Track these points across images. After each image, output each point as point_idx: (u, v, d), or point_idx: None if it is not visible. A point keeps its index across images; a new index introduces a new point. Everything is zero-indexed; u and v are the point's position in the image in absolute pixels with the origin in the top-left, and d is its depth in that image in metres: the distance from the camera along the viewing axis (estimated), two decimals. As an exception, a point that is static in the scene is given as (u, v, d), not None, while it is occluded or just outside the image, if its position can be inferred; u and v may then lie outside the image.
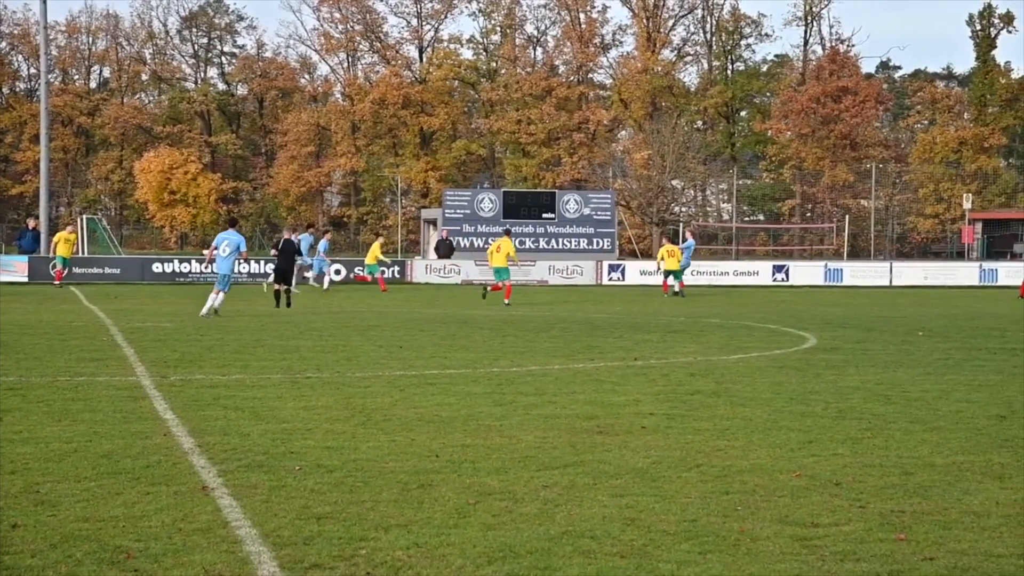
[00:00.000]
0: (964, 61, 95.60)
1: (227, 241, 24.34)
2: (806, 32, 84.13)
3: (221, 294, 23.78)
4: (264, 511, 6.96)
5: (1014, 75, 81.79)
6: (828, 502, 7.27)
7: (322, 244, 40.39)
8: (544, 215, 53.64)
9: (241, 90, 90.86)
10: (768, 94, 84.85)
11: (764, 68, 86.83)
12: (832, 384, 13.19)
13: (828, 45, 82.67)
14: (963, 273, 49.69)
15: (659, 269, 36.70)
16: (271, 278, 29.55)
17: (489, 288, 32.09)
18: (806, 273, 47.61)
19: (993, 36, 78.45)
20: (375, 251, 40.60)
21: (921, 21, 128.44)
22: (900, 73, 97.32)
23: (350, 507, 7.08)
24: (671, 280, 35.88)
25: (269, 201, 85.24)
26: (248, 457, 8.64)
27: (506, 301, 29.37)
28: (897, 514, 6.95)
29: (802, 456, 8.80)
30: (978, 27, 78.69)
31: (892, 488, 7.66)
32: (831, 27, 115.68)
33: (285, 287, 27.90)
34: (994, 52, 79.03)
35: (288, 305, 27.38)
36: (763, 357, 16.55)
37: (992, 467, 8.35)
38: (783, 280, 46.39)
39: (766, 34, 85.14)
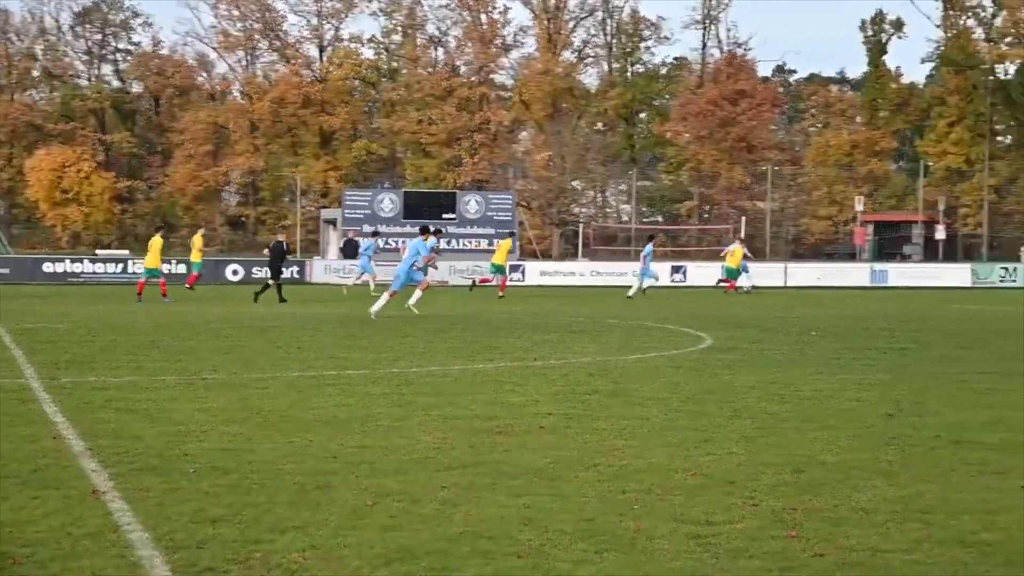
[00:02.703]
0: (857, 66, 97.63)
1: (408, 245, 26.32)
2: (704, 35, 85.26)
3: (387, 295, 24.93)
4: (157, 514, 6.84)
5: (904, 80, 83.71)
6: (722, 500, 7.35)
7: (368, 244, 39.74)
8: (445, 216, 53.59)
9: (136, 88, 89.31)
10: (667, 96, 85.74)
11: (663, 71, 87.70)
12: (728, 384, 13.36)
13: (725, 48, 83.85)
14: (855, 274, 50.79)
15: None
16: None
17: (478, 280, 37.04)
18: (704, 274, 48.21)
19: (884, 42, 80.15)
20: (196, 244, 39.60)
21: (816, 26, 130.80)
22: (795, 77, 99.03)
23: (245, 509, 7.00)
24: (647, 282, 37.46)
25: (165, 200, 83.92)
26: (141, 460, 8.49)
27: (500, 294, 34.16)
28: (789, 511, 7.05)
29: (698, 455, 8.90)
30: (870, 33, 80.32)
31: (784, 486, 7.78)
32: (728, 31, 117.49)
33: (276, 282, 31.53)
34: (885, 57, 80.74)
35: (281, 300, 30.39)
36: (661, 357, 16.71)
37: (880, 464, 8.52)
38: (681, 281, 46.92)
39: (665, 37, 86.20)
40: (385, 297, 24.72)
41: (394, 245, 47.79)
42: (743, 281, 40.24)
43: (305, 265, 49.00)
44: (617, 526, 6.68)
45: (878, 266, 52.72)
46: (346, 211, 53.83)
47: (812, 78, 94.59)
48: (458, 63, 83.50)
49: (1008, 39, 72.25)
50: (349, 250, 49.75)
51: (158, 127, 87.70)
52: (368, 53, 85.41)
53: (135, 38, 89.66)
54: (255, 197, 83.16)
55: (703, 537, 6.44)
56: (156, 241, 32.50)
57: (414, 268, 25.40)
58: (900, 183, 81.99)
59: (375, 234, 41.10)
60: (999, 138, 77.68)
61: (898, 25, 79.61)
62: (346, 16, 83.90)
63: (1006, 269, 53.45)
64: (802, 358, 16.46)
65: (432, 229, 27.92)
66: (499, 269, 37.93)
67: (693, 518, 6.87)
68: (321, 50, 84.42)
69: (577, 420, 10.56)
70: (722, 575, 5.78)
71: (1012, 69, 74.90)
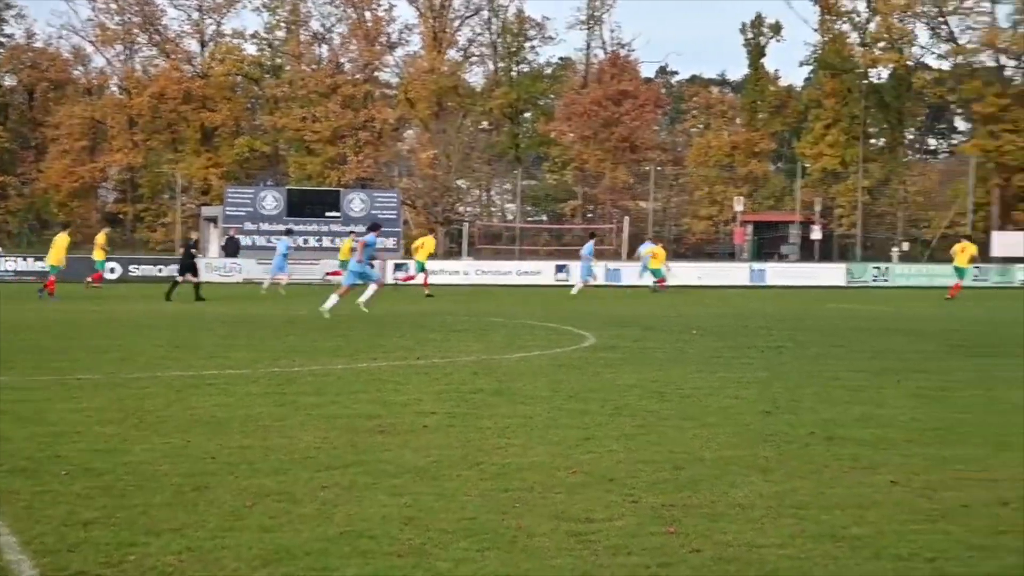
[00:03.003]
0: (737, 68, 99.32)
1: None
2: (588, 36, 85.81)
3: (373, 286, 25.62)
4: (26, 518, 6.67)
5: (782, 83, 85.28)
6: (602, 497, 7.41)
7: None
8: (328, 213, 53.26)
9: (9, 81, 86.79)
10: (552, 96, 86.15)
11: (548, 71, 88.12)
12: (610, 382, 13.47)
13: (609, 49, 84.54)
14: (735, 273, 51.64)
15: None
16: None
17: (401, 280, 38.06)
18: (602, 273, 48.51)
19: (763, 45, 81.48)
20: (99, 242, 39.19)
21: (697, 28, 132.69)
22: (677, 78, 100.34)
23: (119, 512, 6.85)
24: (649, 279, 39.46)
25: (39, 196, 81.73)
26: (10, 462, 8.27)
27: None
28: (668, 508, 7.14)
29: (579, 453, 8.96)
30: (749, 35, 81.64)
31: (664, 483, 7.87)
32: (612, 32, 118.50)
33: (196, 280, 31.99)
34: (764, 60, 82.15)
35: (199, 299, 30.66)
36: (544, 356, 16.79)
37: (757, 461, 8.67)
38: (565, 280, 47.17)
39: (550, 37, 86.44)
40: (335, 298, 24.71)
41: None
42: (647, 280, 40.81)
43: (185, 263, 48.15)
44: (498, 524, 6.70)
45: (757, 265, 53.65)
46: (228, 208, 53.11)
47: (693, 79, 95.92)
48: (343, 60, 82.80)
49: (881, 44, 73.97)
50: (230, 248, 49.10)
51: (32, 121, 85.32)
52: (251, 49, 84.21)
53: (7, 30, 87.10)
54: (133, 194, 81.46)
55: (583, 534, 6.49)
56: (62, 238, 32.52)
57: (367, 264, 25.70)
58: (778, 184, 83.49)
59: (288, 232, 40.82)
60: (872, 141, 79.56)
61: (777, 29, 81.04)
62: (228, 11, 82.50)
63: (879, 269, 54.82)
64: (683, 356, 16.67)
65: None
66: (421, 267, 39.10)
67: (574, 515, 6.91)
68: (202, 45, 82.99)
69: (460, 419, 10.56)
70: (601, 572, 5.83)
71: (885, 73, 76.79)
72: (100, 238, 39.09)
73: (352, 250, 31.91)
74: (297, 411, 10.91)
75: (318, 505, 7.12)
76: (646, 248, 41.97)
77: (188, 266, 32.62)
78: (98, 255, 38.45)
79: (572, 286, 40.13)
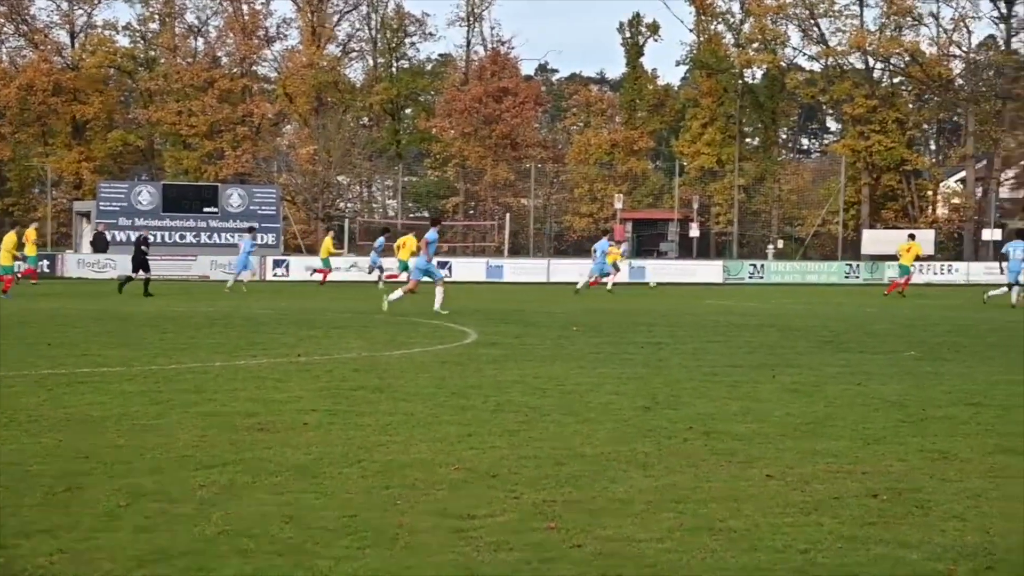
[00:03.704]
0: (616, 67, 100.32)
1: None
2: (468, 33, 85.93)
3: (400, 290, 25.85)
4: None
5: (660, 82, 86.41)
6: (485, 494, 7.43)
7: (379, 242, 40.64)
8: (206, 209, 52.49)
9: None
10: (432, 93, 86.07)
11: (429, 67, 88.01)
12: (492, 378, 13.51)
13: (490, 46, 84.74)
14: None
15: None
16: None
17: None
18: (469, 269, 48.64)
19: (641, 44, 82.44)
20: (30, 238, 38.73)
21: (576, 27, 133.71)
22: (557, 76, 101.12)
23: (-11, 515, 6.67)
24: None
25: None
26: None
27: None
28: (549, 503, 7.18)
29: (461, 449, 8.97)
30: (628, 35, 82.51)
31: (545, 479, 7.92)
32: (492, 29, 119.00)
33: (144, 276, 32.59)
34: (642, 59, 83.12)
35: (147, 294, 31.19)
36: (426, 352, 16.76)
37: (637, 456, 8.77)
38: (447, 276, 47.12)
39: (430, 33, 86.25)
40: (400, 292, 25.35)
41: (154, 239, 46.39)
42: (608, 279, 41.01)
43: (57, 259, 47.10)
44: (380, 522, 6.67)
45: (636, 262, 54.26)
46: (101, 204, 52.02)
47: (573, 77, 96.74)
48: (219, 54, 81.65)
49: (755, 45, 75.40)
50: (99, 244, 48.12)
51: None
52: (124, 41, 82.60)
53: None
54: (1, 188, 79.27)
55: (465, 531, 6.50)
56: (9, 237, 32.37)
57: (429, 261, 25.84)
58: (657, 182, 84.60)
59: (251, 230, 40.36)
60: (748, 140, 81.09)
61: (654, 28, 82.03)
62: (99, 2, 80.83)
63: (754, 266, 55.90)
64: (564, 353, 16.79)
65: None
66: (404, 266, 38.46)
67: (456, 512, 6.92)
68: (73, 36, 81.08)
69: (341, 416, 10.49)
70: (483, 568, 5.85)
71: (759, 74, 78.31)
72: (31, 234, 38.77)
73: (416, 250, 32.43)
74: (174, 409, 10.73)
75: (195, 504, 7.02)
76: (604, 246, 41.30)
77: (141, 262, 32.87)
78: (30, 251, 38.29)
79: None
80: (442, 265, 47.24)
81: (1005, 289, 31.99)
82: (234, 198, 53.65)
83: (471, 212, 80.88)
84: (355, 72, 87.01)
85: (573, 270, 49.94)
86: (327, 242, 43.02)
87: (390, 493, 7.41)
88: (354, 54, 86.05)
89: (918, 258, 41.08)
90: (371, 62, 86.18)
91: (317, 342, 18.14)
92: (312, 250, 65.72)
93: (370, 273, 41.11)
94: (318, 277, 42.87)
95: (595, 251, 39.71)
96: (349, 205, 79.69)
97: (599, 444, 9.23)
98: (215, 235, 52.20)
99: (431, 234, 25.93)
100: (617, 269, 41.16)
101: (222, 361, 15.07)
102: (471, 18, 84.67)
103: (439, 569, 5.83)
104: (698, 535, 6.45)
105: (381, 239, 41.23)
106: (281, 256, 51.06)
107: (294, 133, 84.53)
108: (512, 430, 9.85)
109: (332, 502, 7.15)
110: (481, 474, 8.03)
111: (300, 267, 48.18)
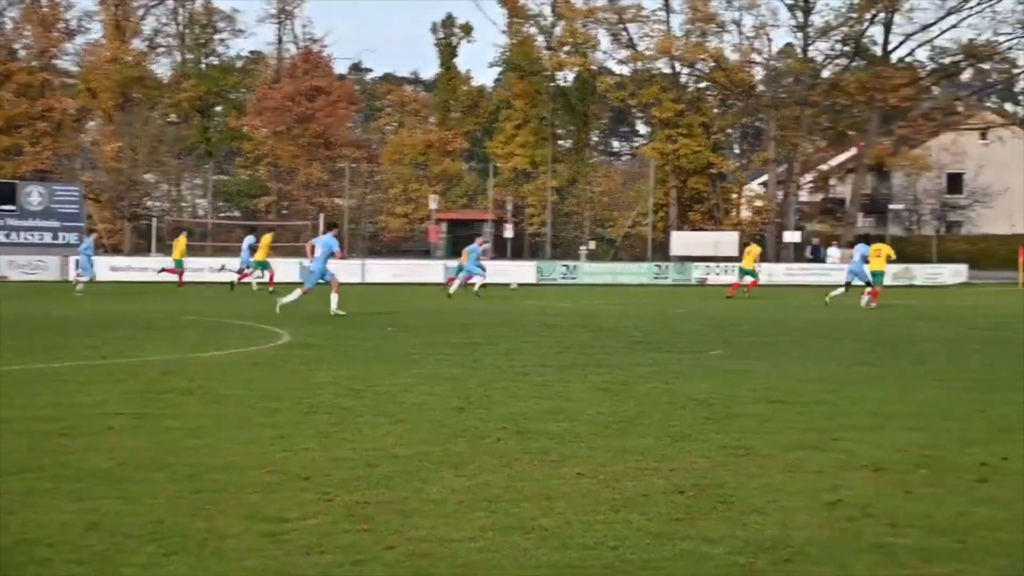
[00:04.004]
0: (430, 67, 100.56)
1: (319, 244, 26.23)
2: (280, 30, 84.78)
3: (299, 292, 25.80)
4: None
5: (474, 83, 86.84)
6: (297, 496, 7.35)
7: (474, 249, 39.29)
8: (3, 207, 50.46)
9: None
10: (243, 90, 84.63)
11: (239, 64, 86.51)
12: (305, 380, 13.37)
13: (301, 45, 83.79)
14: (430, 271, 52.21)
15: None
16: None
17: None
18: (282, 270, 47.94)
19: (454, 45, 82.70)
20: None
21: (390, 27, 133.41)
22: (371, 76, 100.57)
23: None
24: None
25: None
26: None
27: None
28: (362, 505, 7.15)
29: (273, 452, 8.85)
30: (441, 35, 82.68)
31: (358, 480, 7.88)
32: (304, 27, 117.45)
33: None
34: (456, 60, 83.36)
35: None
36: (238, 354, 16.49)
37: (450, 456, 8.80)
38: (260, 276, 46.35)
39: (240, 30, 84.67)
40: (298, 292, 25.22)
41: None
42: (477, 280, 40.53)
43: None
44: (188, 527, 6.54)
45: (452, 263, 54.32)
46: None
47: (387, 77, 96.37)
48: (16, 47, 78.52)
49: (567, 48, 76.42)
50: None
51: None
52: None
53: None
54: None
55: (276, 534, 6.42)
56: None
57: (325, 266, 25.74)
58: (472, 183, 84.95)
59: (90, 232, 38.79)
60: (561, 142, 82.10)
61: (467, 29, 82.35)
62: None
63: (567, 267, 56.68)
64: (378, 354, 16.73)
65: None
66: (263, 265, 38.92)
67: (267, 516, 6.83)
68: None
69: (149, 419, 10.24)
70: (294, 571, 5.78)
71: (571, 77, 79.41)
72: None
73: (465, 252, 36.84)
74: (-31, 416, 10.29)
75: (-8, 515, 6.75)
76: (476, 249, 40.66)
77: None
78: None
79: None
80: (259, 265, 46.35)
81: (843, 290, 32.93)
82: (34, 196, 51.72)
83: (284, 212, 79.77)
84: (162, 68, 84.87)
85: (388, 271, 49.84)
86: (181, 242, 41.85)
87: (199, 497, 7.27)
88: (161, 50, 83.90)
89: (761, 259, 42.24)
90: (179, 58, 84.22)
91: (124, 343, 17.66)
92: (117, 249, 63.93)
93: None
94: (172, 278, 41.55)
95: (467, 252, 39.43)
96: (157, 204, 77.67)
97: (412, 445, 9.23)
98: (13, 234, 50.26)
99: (330, 239, 26.21)
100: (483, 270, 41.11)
101: (20, 364, 14.53)
102: (282, 15, 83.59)
103: (249, 573, 5.75)
104: (510, 534, 6.51)
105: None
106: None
107: (98, 130, 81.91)
108: (325, 432, 9.77)
109: (138, 508, 6.96)
110: (293, 476, 7.94)
111: (105, 267, 46.71)
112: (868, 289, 31.95)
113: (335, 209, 75.05)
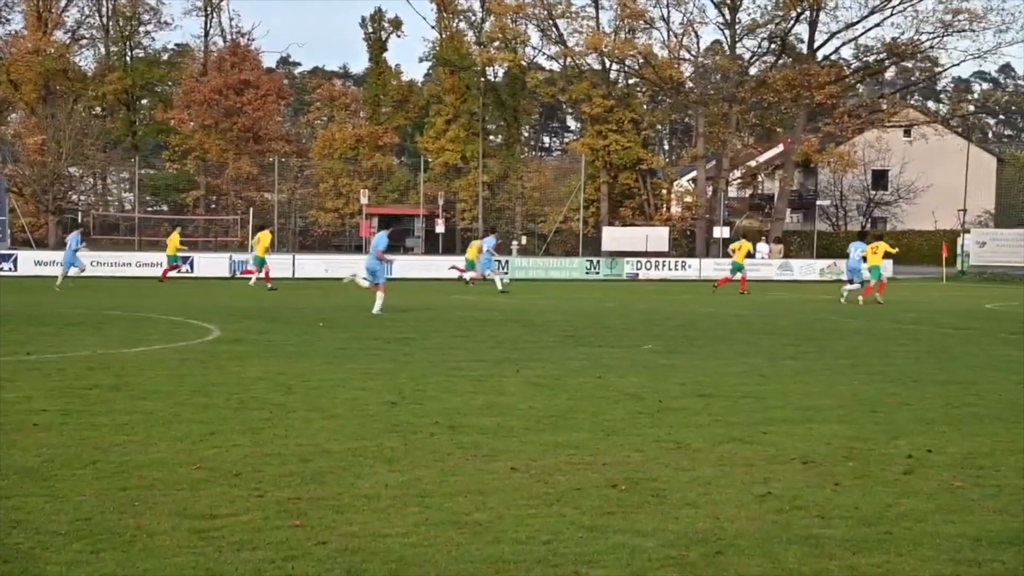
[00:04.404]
0: (359, 62, 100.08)
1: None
2: (207, 23, 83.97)
3: (380, 294, 25.25)
4: None
5: (404, 78, 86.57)
6: (227, 493, 7.29)
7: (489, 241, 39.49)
8: (-77, 201, 49.51)
9: None
10: (170, 83, 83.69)
11: (165, 57, 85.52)
12: (235, 375, 13.26)
13: (229, 37, 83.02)
14: (360, 266, 51.86)
15: None
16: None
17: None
18: (211, 265, 47.53)
19: (384, 39, 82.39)
20: None
21: (318, 21, 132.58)
22: (300, 70, 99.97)
23: None
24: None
25: None
26: None
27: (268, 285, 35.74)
28: (294, 501, 7.10)
29: (203, 448, 8.77)
30: (371, 30, 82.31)
31: (290, 476, 7.83)
32: (231, 20, 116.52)
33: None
34: (386, 55, 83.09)
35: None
36: (166, 349, 16.31)
37: (383, 451, 8.77)
38: (189, 272, 45.93)
39: (166, 22, 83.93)
40: (381, 296, 24.92)
41: None
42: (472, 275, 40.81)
43: None
44: (116, 524, 6.46)
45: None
46: None
47: (316, 71, 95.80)
48: (-66, 37, 77.14)
49: (496, 43, 76.43)
50: None
51: None
52: None
53: None
54: None
55: (206, 531, 6.36)
56: None
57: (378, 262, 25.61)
58: (403, 177, 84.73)
59: (78, 227, 38.16)
60: (492, 137, 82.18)
61: (397, 24, 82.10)
62: None
63: (499, 262, 56.63)
64: (310, 349, 16.63)
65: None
66: (261, 261, 37.54)
67: (197, 512, 6.76)
68: None
69: (75, 416, 10.09)
70: (225, 568, 5.73)
71: (501, 72, 79.45)
72: None
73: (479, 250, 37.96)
74: None
75: (-87, 514, 6.62)
76: (491, 243, 40.87)
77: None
78: None
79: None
80: (185, 260, 45.98)
81: (858, 285, 33.36)
82: (-45, 189, 50.76)
83: (213, 206, 79.05)
84: (86, 60, 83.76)
85: (319, 265, 49.54)
86: (175, 238, 41.42)
87: (127, 494, 7.18)
88: (84, 41, 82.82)
89: (750, 255, 42.35)
90: (103, 50, 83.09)
91: (48, 339, 17.38)
92: (41, 243, 62.94)
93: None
94: (171, 273, 41.24)
95: (483, 248, 39.87)
96: (83, 198, 76.58)
97: (345, 440, 9.19)
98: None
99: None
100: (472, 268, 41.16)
101: (-57, 361, 14.25)
102: (208, 8, 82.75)
103: (179, 570, 5.68)
104: (443, 529, 6.51)
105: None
106: (8, 251, 48.59)
107: (20, 122, 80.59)
108: (256, 427, 9.69)
109: (64, 505, 6.87)
110: (224, 473, 7.87)
111: (30, 262, 45.94)
112: (857, 284, 32.88)
113: (264, 204, 74.50)
